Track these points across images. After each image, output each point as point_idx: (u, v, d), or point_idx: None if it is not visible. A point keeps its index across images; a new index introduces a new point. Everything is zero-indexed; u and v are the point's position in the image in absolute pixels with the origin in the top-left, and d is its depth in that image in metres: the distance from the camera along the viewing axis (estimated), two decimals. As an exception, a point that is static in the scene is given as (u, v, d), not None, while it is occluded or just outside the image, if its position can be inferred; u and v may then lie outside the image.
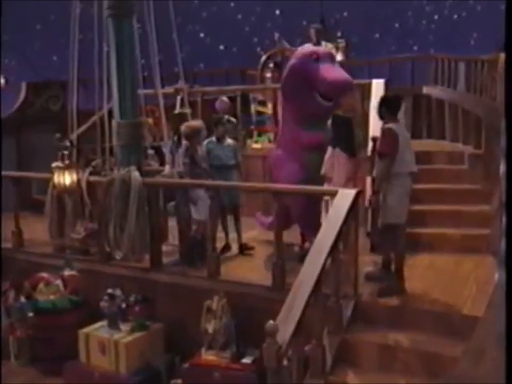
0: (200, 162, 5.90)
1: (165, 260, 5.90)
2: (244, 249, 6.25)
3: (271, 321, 3.52)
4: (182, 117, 7.93)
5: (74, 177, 5.44)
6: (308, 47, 6.15)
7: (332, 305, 4.47)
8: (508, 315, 3.06)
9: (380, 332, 4.53)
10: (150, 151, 7.02)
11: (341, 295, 4.60)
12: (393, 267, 5.02)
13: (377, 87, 7.08)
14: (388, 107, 4.93)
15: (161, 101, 6.30)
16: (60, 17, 6.53)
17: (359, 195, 4.55)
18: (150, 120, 8.07)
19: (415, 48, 13.69)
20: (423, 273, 5.38)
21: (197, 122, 6.23)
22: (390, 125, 4.88)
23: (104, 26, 5.85)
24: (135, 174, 5.57)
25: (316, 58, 5.47)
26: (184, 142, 5.98)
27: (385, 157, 4.81)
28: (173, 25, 6.30)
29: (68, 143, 5.57)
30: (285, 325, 3.64)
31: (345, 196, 4.55)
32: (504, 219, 2.57)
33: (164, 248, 6.22)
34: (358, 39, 13.53)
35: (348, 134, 5.25)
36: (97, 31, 5.96)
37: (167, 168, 5.98)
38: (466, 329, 4.11)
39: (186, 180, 5.80)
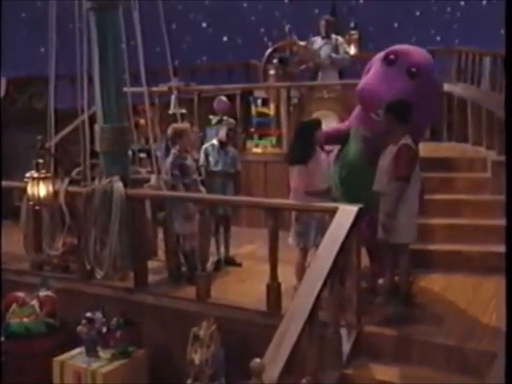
0: (190, 172, 5.78)
1: (153, 277, 5.80)
2: (230, 263, 6.22)
3: (257, 359, 3.39)
4: (177, 118, 7.84)
5: (50, 188, 5.33)
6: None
7: (330, 336, 4.33)
8: (507, 316, 3.12)
9: (384, 366, 4.36)
10: (142, 155, 6.92)
11: (341, 324, 4.46)
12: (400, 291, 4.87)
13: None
14: (396, 115, 4.65)
15: (147, 100, 6.23)
16: (48, 4, 6.40)
17: (361, 212, 4.39)
18: (142, 121, 7.98)
19: (438, 38, 13.40)
20: (435, 298, 5.21)
21: (184, 124, 6.13)
22: (407, 141, 4.65)
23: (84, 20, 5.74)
24: (118, 185, 5.46)
25: (392, 60, 4.81)
26: (172, 151, 5.86)
27: (402, 179, 4.61)
28: (161, 18, 6.14)
29: (42, 151, 5.46)
30: (273, 362, 3.51)
31: (346, 213, 4.40)
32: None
33: (153, 264, 6.15)
34: (374, 29, 13.31)
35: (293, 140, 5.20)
36: (79, 25, 5.87)
37: (153, 178, 5.85)
38: (483, 366, 3.95)
39: (173, 192, 5.68)
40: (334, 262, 4.11)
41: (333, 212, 4.46)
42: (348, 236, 4.31)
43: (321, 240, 4.71)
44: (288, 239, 5.21)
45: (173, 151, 5.89)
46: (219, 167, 6.19)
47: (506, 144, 3.38)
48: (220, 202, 5.79)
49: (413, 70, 4.78)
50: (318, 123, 5.16)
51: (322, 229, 4.95)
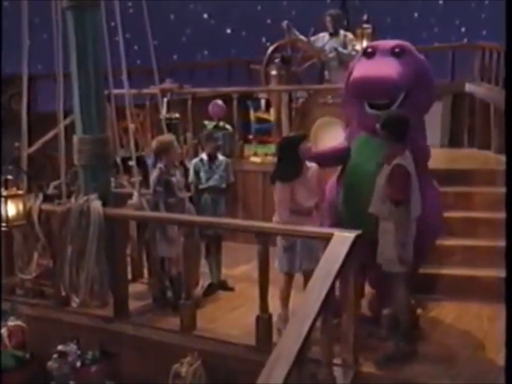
0: (176, 190, 5.70)
1: (136, 304, 5.72)
2: (222, 287, 6.19)
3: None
4: (171, 124, 7.79)
5: (21, 207, 5.27)
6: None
7: (322, 378, 4.21)
8: (507, 315, 3.30)
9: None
10: (131, 163, 6.85)
11: (335, 363, 4.35)
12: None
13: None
14: (391, 131, 4.61)
15: (128, 103, 6.18)
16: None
17: (358, 239, 4.27)
18: (132, 126, 7.92)
19: (463, 30, 13.22)
20: (446, 331, 5.10)
21: (170, 137, 6.06)
22: (400, 161, 4.56)
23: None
24: (95, 204, 5.38)
25: (371, 52, 5.10)
26: (158, 165, 5.78)
27: (400, 203, 4.51)
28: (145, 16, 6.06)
29: (11, 167, 5.41)
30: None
31: (342, 240, 4.28)
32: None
33: (138, 287, 6.09)
34: (392, 20, 13.16)
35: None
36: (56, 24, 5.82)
37: (135, 196, 5.77)
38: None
39: (156, 213, 5.60)
40: (327, 295, 4.00)
41: (327, 238, 4.34)
42: (344, 265, 4.20)
43: (307, 265, 4.87)
44: (275, 263, 5.14)
45: (159, 165, 5.80)
46: (210, 183, 6.13)
47: (506, 144, 3.28)
48: (205, 225, 5.67)
49: (396, 50, 5.03)
50: (301, 138, 5.14)
51: (309, 253, 4.97)
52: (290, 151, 5.06)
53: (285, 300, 5.13)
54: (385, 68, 4.92)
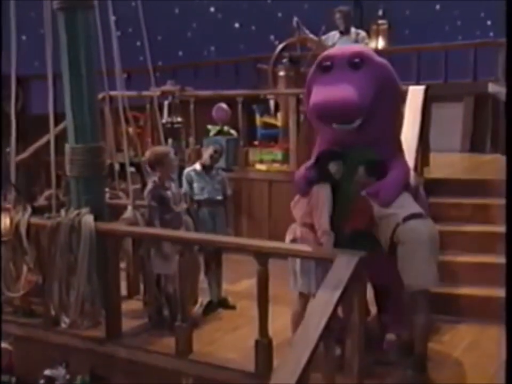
0: (172, 204, 5.69)
1: (130, 323, 5.72)
2: (223, 305, 6.19)
3: None
4: (173, 128, 7.80)
5: (7, 221, 5.29)
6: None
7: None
8: (507, 317, 3.40)
9: None
10: (131, 169, 6.86)
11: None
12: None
13: (414, 95, 6.69)
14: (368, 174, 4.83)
15: (121, 106, 6.16)
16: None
17: (363, 261, 4.23)
18: (132, 130, 7.94)
19: (489, 23, 13.07)
20: (460, 357, 5.01)
21: (166, 148, 6.06)
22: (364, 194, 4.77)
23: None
24: (87, 218, 5.37)
25: (328, 67, 4.88)
26: (152, 178, 5.78)
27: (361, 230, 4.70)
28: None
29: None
30: None
31: (345, 263, 4.23)
32: None
33: (133, 305, 6.11)
34: (411, 12, 13.07)
35: None
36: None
37: (129, 210, 5.76)
38: None
39: (150, 229, 5.59)
40: (328, 322, 3.97)
41: (330, 260, 4.31)
42: (347, 289, 4.15)
43: None
44: (295, 283, 5.04)
45: (153, 178, 5.80)
46: (205, 195, 6.13)
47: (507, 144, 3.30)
48: (202, 242, 5.65)
49: (355, 60, 4.77)
50: None
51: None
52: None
53: (298, 324, 5.05)
54: (345, 88, 4.69)
